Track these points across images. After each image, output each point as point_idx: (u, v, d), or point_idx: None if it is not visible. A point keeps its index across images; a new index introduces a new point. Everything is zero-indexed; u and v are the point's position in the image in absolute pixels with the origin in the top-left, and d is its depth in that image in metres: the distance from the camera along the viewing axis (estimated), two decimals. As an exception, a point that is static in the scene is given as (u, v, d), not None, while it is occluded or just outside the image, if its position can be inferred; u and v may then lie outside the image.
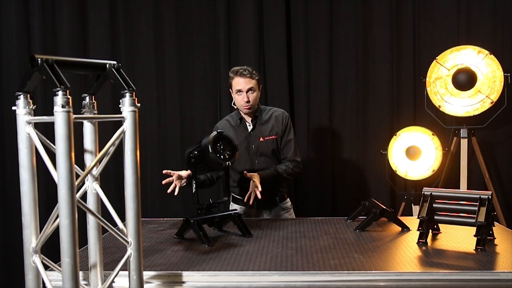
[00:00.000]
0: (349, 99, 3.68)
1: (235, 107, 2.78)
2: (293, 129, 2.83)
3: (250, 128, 2.78)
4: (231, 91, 2.77)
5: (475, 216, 1.95)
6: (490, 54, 3.21)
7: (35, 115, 1.33)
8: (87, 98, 1.49)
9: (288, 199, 2.92)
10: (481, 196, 1.97)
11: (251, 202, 2.51)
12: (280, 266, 1.76)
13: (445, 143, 3.41)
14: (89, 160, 1.49)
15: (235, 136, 2.74)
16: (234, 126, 2.79)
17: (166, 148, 3.76)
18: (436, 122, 3.41)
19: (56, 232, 1.29)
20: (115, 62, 1.44)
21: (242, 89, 2.67)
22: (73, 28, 3.67)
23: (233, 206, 2.89)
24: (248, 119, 2.78)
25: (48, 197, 3.62)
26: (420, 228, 2.07)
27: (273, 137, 2.75)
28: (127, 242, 1.45)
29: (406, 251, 1.94)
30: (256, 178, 2.54)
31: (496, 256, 1.85)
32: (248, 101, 2.68)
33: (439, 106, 3.31)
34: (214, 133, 2.20)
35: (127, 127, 1.41)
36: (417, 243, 2.05)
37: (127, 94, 1.41)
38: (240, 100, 2.69)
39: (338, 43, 3.67)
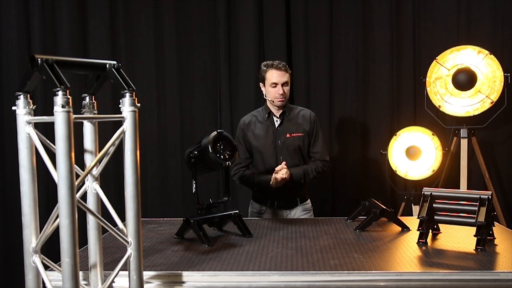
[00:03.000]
0: (349, 99, 3.68)
1: (269, 99, 2.79)
2: (320, 128, 2.89)
3: (277, 123, 2.82)
4: (262, 84, 2.82)
5: (475, 216, 1.95)
6: (490, 54, 3.21)
7: (35, 115, 1.33)
8: (87, 98, 1.49)
9: (309, 200, 2.93)
10: (481, 196, 1.97)
11: (272, 183, 2.62)
12: (280, 266, 1.76)
13: (445, 143, 3.41)
14: (89, 160, 1.49)
15: (262, 131, 2.80)
16: (261, 120, 2.83)
17: (166, 148, 3.76)
18: (436, 122, 3.41)
19: (56, 232, 1.29)
20: (115, 62, 1.44)
21: (277, 82, 2.73)
22: (73, 28, 3.67)
23: (253, 205, 2.90)
24: (277, 114, 2.81)
25: (48, 197, 3.61)
26: (420, 228, 2.07)
27: (300, 134, 2.79)
28: (127, 242, 1.45)
29: (406, 251, 1.94)
30: (286, 173, 2.62)
31: (496, 256, 1.85)
32: (282, 94, 2.73)
33: (439, 106, 3.31)
34: (214, 133, 2.20)
35: (127, 127, 1.41)
36: (417, 243, 2.05)
37: (127, 94, 1.41)
38: (274, 93, 2.74)
39: (338, 43, 3.67)
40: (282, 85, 2.73)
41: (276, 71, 2.73)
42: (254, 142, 2.80)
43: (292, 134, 2.79)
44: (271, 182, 2.64)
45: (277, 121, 2.82)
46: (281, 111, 2.81)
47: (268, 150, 2.79)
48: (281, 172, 2.60)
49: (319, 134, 2.85)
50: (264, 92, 2.82)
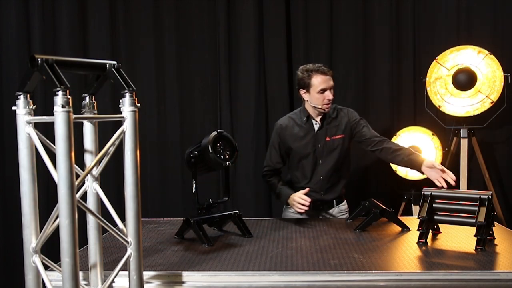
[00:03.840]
0: (349, 99, 3.68)
1: (316, 106, 2.64)
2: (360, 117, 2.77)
3: (317, 127, 2.71)
4: (304, 91, 2.67)
5: (475, 216, 1.95)
6: (490, 54, 3.21)
7: (35, 115, 1.33)
8: (87, 98, 1.49)
9: (345, 201, 2.87)
10: (481, 196, 1.97)
11: (445, 185, 2.35)
12: (280, 266, 1.76)
13: (445, 143, 3.41)
14: (89, 160, 1.49)
15: (301, 134, 2.70)
16: (300, 124, 2.72)
17: (166, 148, 3.76)
18: (436, 122, 3.41)
19: (56, 232, 1.29)
20: (115, 62, 1.44)
21: (326, 87, 2.60)
22: (73, 28, 3.67)
23: (288, 209, 2.79)
24: (317, 118, 2.71)
25: (48, 197, 3.61)
26: (420, 228, 2.07)
27: (340, 136, 2.69)
28: (127, 242, 1.45)
29: (406, 251, 1.94)
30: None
31: (496, 256, 1.85)
32: (331, 99, 2.62)
33: (439, 106, 3.31)
34: (214, 133, 2.20)
35: (127, 127, 1.41)
36: (417, 243, 2.05)
37: (127, 94, 1.41)
38: (323, 99, 2.61)
39: (338, 43, 3.66)
40: (330, 89, 2.62)
41: (323, 76, 2.60)
42: (293, 146, 2.70)
43: (332, 137, 2.68)
44: (288, 200, 2.58)
45: (316, 124, 2.70)
46: (322, 115, 2.70)
47: (307, 154, 2.69)
48: (305, 200, 2.48)
49: (363, 122, 2.72)
50: (306, 99, 2.68)
